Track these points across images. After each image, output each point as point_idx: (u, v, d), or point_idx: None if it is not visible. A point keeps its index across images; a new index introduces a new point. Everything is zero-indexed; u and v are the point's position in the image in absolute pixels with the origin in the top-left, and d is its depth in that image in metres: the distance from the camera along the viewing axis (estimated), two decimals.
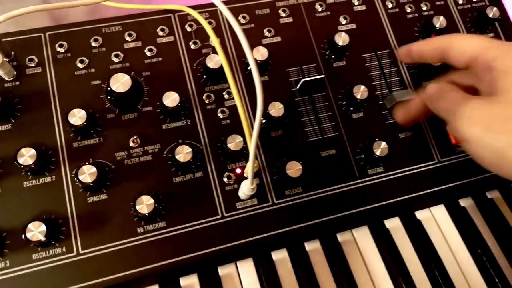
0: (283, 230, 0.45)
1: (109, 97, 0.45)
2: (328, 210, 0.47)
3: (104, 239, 0.42)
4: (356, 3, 0.55)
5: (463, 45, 0.41)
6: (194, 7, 0.49)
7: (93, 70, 0.47)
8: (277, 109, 0.46)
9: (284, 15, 0.53)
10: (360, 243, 0.49)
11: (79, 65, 0.46)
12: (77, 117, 0.42)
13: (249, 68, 0.50)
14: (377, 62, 0.53)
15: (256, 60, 0.47)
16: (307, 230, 0.46)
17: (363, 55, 0.53)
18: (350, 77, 0.52)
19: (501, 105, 0.36)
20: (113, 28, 0.49)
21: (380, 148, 0.47)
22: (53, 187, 0.42)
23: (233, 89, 0.38)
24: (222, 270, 0.46)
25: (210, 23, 0.50)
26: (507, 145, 0.34)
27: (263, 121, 0.47)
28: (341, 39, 0.50)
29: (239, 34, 0.33)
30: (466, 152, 0.40)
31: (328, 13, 0.54)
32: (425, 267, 0.48)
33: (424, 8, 0.56)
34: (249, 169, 0.38)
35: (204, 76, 0.48)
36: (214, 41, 0.42)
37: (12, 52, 0.45)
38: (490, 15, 0.55)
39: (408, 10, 0.56)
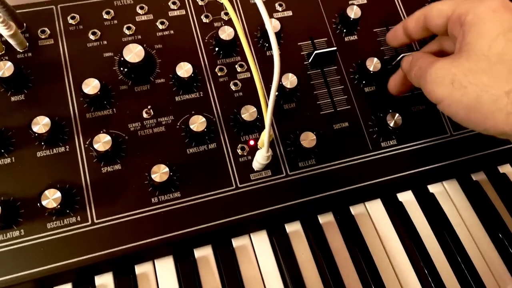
0: (296, 202, 0.45)
1: (121, 69, 0.45)
2: (341, 182, 0.47)
3: (119, 209, 0.42)
4: None
5: (439, 8, 0.40)
6: None
7: (105, 42, 0.46)
8: (290, 80, 0.46)
9: None
10: (373, 215, 0.49)
11: (91, 37, 0.46)
12: (91, 86, 0.42)
13: (261, 41, 0.50)
14: None
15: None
16: (320, 202, 0.46)
17: (374, 30, 0.53)
18: (361, 51, 0.52)
19: (464, 59, 0.35)
20: (125, 1, 0.48)
21: (394, 119, 0.47)
22: (67, 157, 0.42)
23: (248, 55, 0.38)
24: (236, 242, 0.46)
25: None
26: (474, 98, 0.34)
27: (276, 93, 0.47)
28: (353, 12, 0.50)
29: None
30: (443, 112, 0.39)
31: None
32: (438, 239, 0.48)
33: None
34: (266, 135, 0.38)
35: (216, 49, 0.48)
36: (229, 9, 0.42)
37: (24, 24, 0.45)
38: None
39: None
